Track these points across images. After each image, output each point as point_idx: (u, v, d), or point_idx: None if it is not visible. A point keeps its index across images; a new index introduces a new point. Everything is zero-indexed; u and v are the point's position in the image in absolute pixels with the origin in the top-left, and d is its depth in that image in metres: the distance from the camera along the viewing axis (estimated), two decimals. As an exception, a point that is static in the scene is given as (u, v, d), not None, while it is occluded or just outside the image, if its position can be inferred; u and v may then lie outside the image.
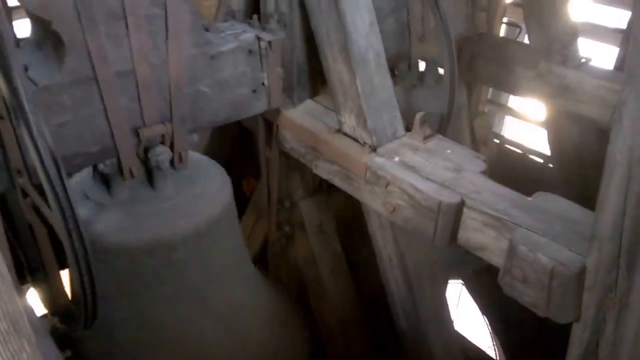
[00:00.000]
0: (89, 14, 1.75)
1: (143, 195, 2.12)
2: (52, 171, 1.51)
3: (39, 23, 1.81)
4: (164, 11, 1.92)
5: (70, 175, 2.02)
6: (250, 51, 2.27)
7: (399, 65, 2.99)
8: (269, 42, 2.29)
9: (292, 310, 2.83)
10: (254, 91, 2.36)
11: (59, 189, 1.53)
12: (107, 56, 1.84)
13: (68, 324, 2.08)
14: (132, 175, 2.06)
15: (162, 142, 2.10)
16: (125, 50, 1.89)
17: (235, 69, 2.25)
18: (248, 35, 2.29)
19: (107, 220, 2.02)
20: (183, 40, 2.01)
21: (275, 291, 2.79)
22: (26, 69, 1.79)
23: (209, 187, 2.24)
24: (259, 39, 2.28)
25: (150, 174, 2.13)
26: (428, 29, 2.92)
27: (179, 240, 2.09)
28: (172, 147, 2.11)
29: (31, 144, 1.50)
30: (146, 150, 2.07)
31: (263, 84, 2.37)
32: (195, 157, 2.33)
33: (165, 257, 2.09)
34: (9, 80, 1.47)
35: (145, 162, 2.09)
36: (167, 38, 1.96)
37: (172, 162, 2.13)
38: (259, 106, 2.42)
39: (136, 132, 2.01)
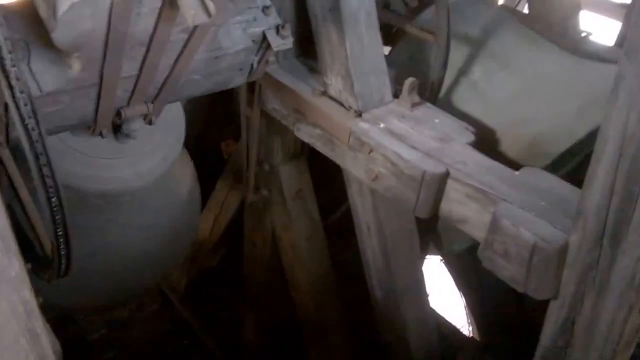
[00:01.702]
0: (116, 48, 1.73)
1: (104, 143, 2.15)
2: (31, 124, 1.44)
3: None
4: (188, 36, 1.85)
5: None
6: (253, 41, 2.20)
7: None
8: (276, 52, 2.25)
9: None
10: (240, 69, 2.29)
11: (38, 144, 1.47)
12: (120, 69, 1.84)
13: (41, 271, 2.04)
14: (101, 136, 2.08)
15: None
16: (137, 63, 1.89)
17: (234, 61, 2.21)
18: (257, 30, 2.18)
19: (64, 161, 2.05)
20: (195, 53, 1.97)
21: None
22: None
23: (165, 140, 2.36)
24: (265, 37, 2.18)
25: (116, 131, 2.13)
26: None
27: (128, 193, 2.30)
28: (146, 117, 2.13)
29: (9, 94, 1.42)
30: (120, 119, 2.07)
31: (252, 65, 2.29)
32: None
33: (112, 200, 2.29)
34: None
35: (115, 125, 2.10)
36: (181, 53, 1.91)
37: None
38: (240, 80, 2.35)
39: (118, 112, 2.03)
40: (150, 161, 2.30)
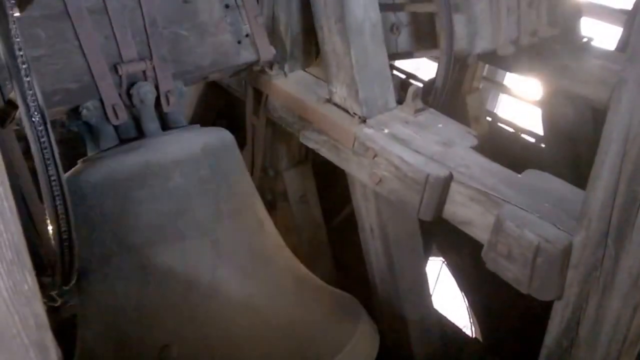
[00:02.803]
0: None
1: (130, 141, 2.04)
2: (38, 121, 1.48)
3: None
4: None
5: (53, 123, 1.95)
6: (227, 6, 2.26)
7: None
8: None
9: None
10: (239, 42, 2.32)
11: (43, 138, 1.49)
12: None
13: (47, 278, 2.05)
14: (116, 116, 1.99)
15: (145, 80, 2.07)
16: None
17: (211, 14, 2.23)
18: None
19: (91, 165, 1.96)
20: None
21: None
22: None
23: (207, 133, 2.17)
24: None
25: (137, 122, 2.06)
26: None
27: (171, 165, 1.93)
28: (157, 88, 2.08)
29: (19, 96, 1.46)
30: (130, 93, 2.02)
31: (247, 35, 2.34)
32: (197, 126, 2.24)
33: (160, 186, 1.92)
34: (6, 36, 1.44)
35: (131, 109, 2.04)
36: None
37: (159, 104, 2.08)
38: (248, 56, 2.36)
39: (115, 69, 1.99)
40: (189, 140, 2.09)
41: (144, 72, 2.05)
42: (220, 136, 2.20)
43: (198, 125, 2.22)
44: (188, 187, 2.00)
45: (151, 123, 2.07)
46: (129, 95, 2.03)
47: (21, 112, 1.49)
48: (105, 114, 1.97)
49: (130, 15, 2.02)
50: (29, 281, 0.98)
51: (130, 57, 2.02)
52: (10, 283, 0.94)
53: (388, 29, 2.68)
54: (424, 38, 2.79)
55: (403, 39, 2.78)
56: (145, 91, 2.02)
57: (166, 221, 1.96)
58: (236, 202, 2.16)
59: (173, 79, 2.12)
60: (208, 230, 2.02)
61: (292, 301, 2.16)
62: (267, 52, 2.39)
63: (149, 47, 2.06)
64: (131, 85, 2.02)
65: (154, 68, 2.06)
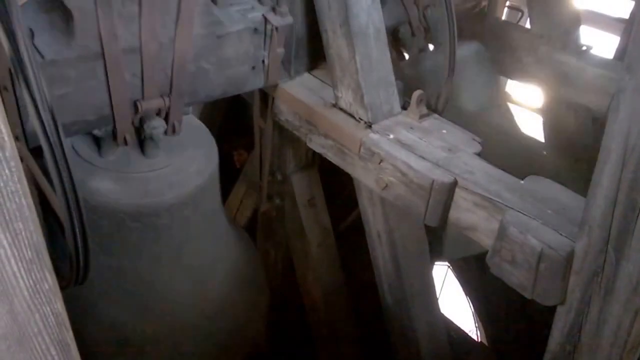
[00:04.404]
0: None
1: (133, 160, 2.12)
2: (51, 129, 1.50)
3: None
4: None
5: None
6: (256, 30, 2.27)
7: (400, 31, 2.94)
8: (276, 27, 2.28)
9: (255, 266, 2.81)
10: (253, 68, 2.35)
11: (57, 149, 1.52)
12: (117, 34, 1.83)
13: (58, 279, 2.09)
14: (125, 142, 2.07)
15: (158, 114, 2.10)
16: (135, 27, 1.88)
17: (239, 47, 2.25)
18: (256, 14, 2.27)
19: (96, 180, 2.01)
20: (193, 20, 2.00)
21: (243, 248, 2.75)
22: (32, 34, 1.76)
23: (197, 155, 2.24)
24: (266, 19, 2.26)
25: (142, 141, 2.12)
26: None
27: (164, 208, 2.10)
28: (167, 119, 2.12)
29: (31, 105, 1.48)
30: (141, 120, 2.07)
31: (263, 62, 2.36)
32: (187, 119, 2.30)
33: (149, 222, 2.10)
34: (14, 44, 1.45)
35: (139, 130, 2.09)
36: (177, 18, 1.95)
37: (165, 132, 2.13)
38: (256, 82, 2.41)
39: (134, 104, 2.01)
40: (182, 174, 2.20)
41: (159, 108, 2.08)
42: (208, 169, 2.26)
43: (194, 146, 2.26)
44: (171, 225, 2.18)
45: (154, 150, 2.14)
46: (141, 126, 2.07)
47: (29, 112, 1.51)
48: (115, 137, 2.04)
49: (163, 53, 2.01)
50: (49, 280, 1.01)
51: (151, 93, 2.03)
52: (30, 282, 0.97)
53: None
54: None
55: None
56: (157, 127, 2.06)
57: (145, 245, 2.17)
58: (204, 221, 2.35)
59: (184, 107, 2.17)
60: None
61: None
62: (275, 77, 2.44)
63: (171, 83, 2.06)
64: (145, 118, 2.06)
65: (169, 103, 2.08)
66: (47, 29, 1.79)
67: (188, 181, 2.15)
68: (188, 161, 2.19)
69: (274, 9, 2.30)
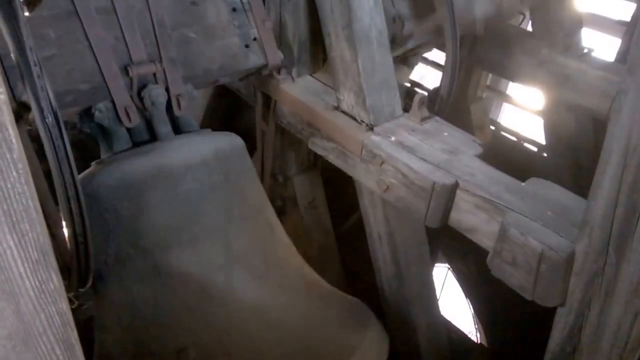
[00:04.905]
0: None
1: (143, 145, 2.07)
2: (55, 133, 1.52)
3: None
4: None
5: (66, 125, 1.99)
6: (234, 9, 2.29)
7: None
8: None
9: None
10: (247, 46, 2.36)
11: (57, 141, 1.53)
12: None
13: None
14: (129, 119, 2.02)
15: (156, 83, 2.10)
16: None
17: (219, 17, 2.26)
18: None
19: (105, 167, 1.98)
20: None
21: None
22: None
23: (218, 138, 2.20)
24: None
25: (149, 125, 2.10)
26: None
27: (183, 169, 1.99)
28: (167, 91, 2.10)
29: (36, 108, 1.50)
30: (141, 95, 2.05)
31: (255, 39, 2.37)
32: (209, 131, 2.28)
33: (172, 189, 1.98)
34: (17, 38, 1.47)
35: (142, 111, 2.06)
36: None
37: (170, 108, 2.11)
38: (256, 60, 2.39)
39: (126, 71, 2.01)
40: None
41: (154, 74, 2.08)
42: (231, 141, 2.24)
43: (209, 130, 2.25)
44: (200, 191, 2.05)
45: (163, 126, 2.10)
46: (141, 98, 2.05)
47: (34, 113, 1.52)
48: (118, 116, 2.00)
49: (138, 16, 2.04)
50: (55, 280, 1.02)
51: (140, 58, 2.04)
52: (36, 282, 0.98)
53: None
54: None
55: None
56: (157, 94, 2.05)
57: (180, 224, 2.01)
58: (247, 207, 2.21)
59: (183, 82, 2.15)
60: (221, 234, 2.08)
61: (304, 305, 2.21)
62: (275, 56, 2.43)
63: (158, 49, 2.08)
64: (142, 87, 2.05)
65: (164, 70, 2.08)
66: None
67: (206, 145, 2.09)
68: (206, 138, 2.14)
69: None
